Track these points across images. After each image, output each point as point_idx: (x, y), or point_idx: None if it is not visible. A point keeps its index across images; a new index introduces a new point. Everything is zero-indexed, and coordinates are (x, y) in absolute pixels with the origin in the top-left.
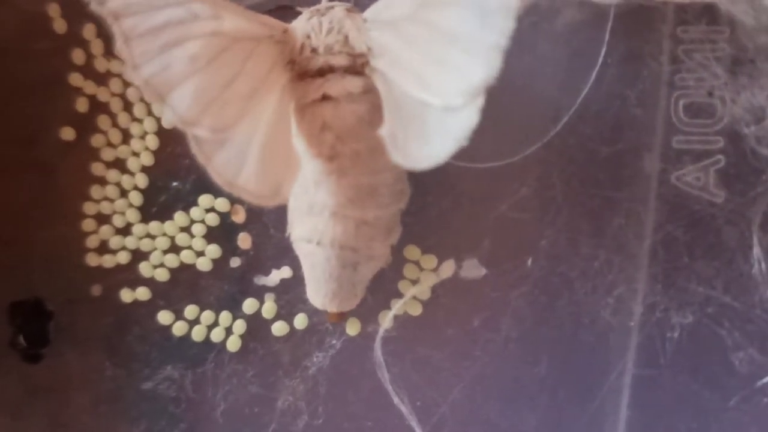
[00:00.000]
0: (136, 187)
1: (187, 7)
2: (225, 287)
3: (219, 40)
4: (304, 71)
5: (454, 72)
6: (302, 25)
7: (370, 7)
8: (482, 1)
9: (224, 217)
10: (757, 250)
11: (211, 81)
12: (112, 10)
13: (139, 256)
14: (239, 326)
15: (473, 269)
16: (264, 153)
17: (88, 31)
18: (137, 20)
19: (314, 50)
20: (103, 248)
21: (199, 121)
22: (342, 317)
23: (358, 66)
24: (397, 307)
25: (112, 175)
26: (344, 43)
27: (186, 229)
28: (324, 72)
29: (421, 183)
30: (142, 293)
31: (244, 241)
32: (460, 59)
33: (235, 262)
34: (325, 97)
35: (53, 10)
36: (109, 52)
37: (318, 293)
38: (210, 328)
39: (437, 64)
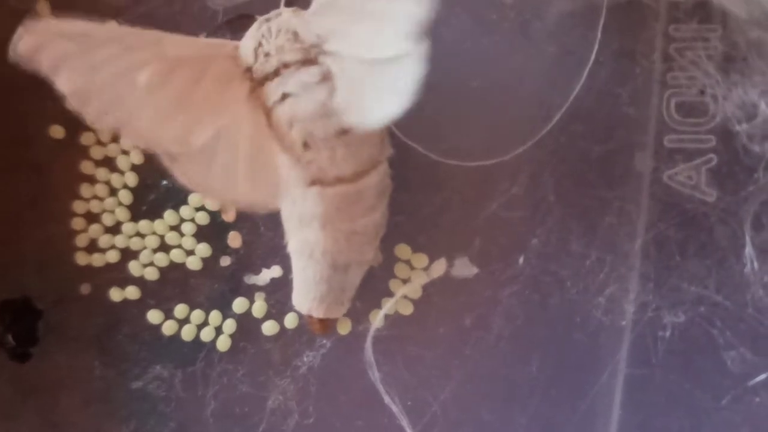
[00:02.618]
0: (125, 186)
1: (119, 42)
2: (215, 286)
3: (163, 65)
4: (263, 77)
5: (390, 20)
6: (252, 35)
7: None
8: None
9: (214, 215)
10: (749, 249)
11: (165, 103)
12: (49, 64)
13: (128, 254)
14: (229, 325)
15: (464, 268)
16: (252, 162)
17: None
18: (74, 65)
19: (267, 54)
20: (93, 247)
21: (161, 142)
22: (327, 328)
23: (312, 56)
24: (388, 306)
25: (102, 173)
26: (294, 40)
27: (176, 228)
28: (280, 71)
29: (412, 182)
30: (132, 292)
31: (234, 239)
32: (393, 5)
33: (225, 261)
34: (285, 96)
35: (42, 7)
36: None
37: (306, 297)
38: (200, 327)
39: (374, 19)
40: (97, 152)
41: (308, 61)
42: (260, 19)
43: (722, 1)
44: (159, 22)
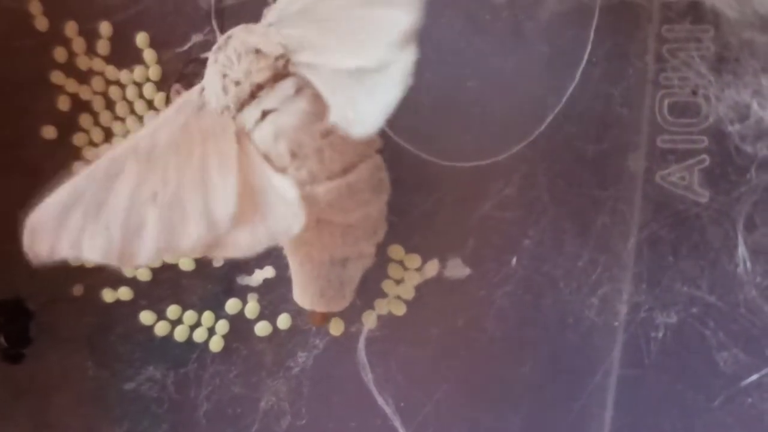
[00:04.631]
0: None
1: (104, 174)
2: (208, 287)
3: (149, 164)
4: (240, 105)
5: (378, 28)
6: (213, 69)
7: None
8: None
9: None
10: (741, 250)
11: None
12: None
13: None
14: (222, 326)
15: (457, 269)
16: (257, 189)
17: (70, 28)
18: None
19: (237, 82)
20: None
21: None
22: (324, 320)
23: (282, 69)
24: (381, 307)
25: None
26: (258, 59)
27: None
28: (255, 93)
29: (405, 182)
30: (124, 293)
31: None
32: (380, 13)
33: (218, 261)
34: (265, 113)
35: (34, 7)
36: (92, 50)
37: (306, 292)
38: (192, 328)
39: (360, 27)
40: (89, 153)
41: (279, 76)
42: (213, 49)
43: (714, 2)
44: (151, 23)
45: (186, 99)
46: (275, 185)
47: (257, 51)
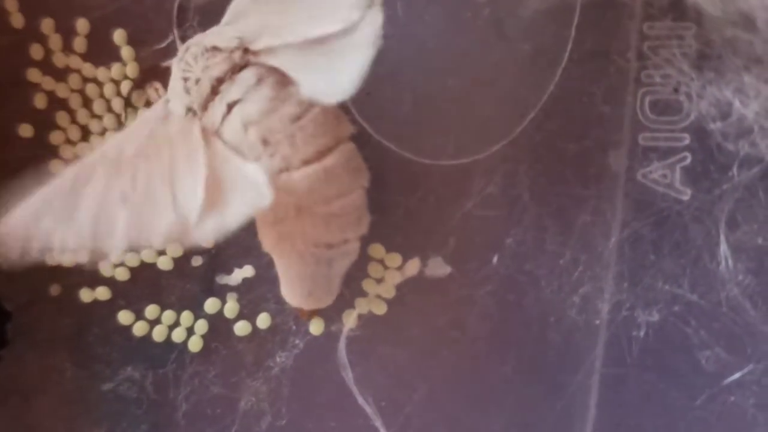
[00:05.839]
0: None
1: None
2: (186, 286)
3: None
4: (203, 103)
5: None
6: (175, 76)
7: None
8: None
9: None
10: (723, 248)
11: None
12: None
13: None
14: (201, 326)
15: (438, 267)
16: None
17: (47, 25)
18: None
19: (197, 81)
20: None
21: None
22: (313, 315)
23: (239, 60)
24: (361, 306)
25: None
26: (214, 54)
27: None
28: (216, 89)
29: (386, 180)
30: (102, 293)
31: None
32: None
33: (196, 261)
34: (231, 106)
35: (10, 4)
36: (68, 48)
37: (294, 292)
38: (171, 328)
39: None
40: (66, 151)
41: (237, 67)
42: (174, 60)
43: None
44: (129, 20)
45: (151, 111)
46: (246, 173)
47: (213, 48)
